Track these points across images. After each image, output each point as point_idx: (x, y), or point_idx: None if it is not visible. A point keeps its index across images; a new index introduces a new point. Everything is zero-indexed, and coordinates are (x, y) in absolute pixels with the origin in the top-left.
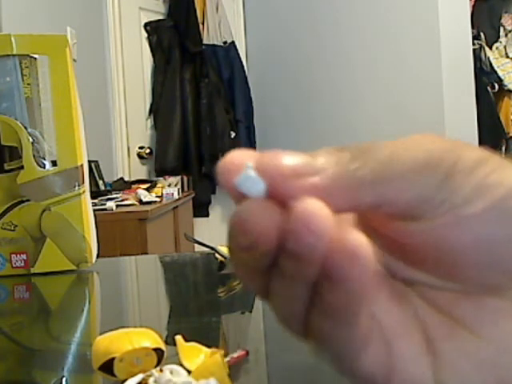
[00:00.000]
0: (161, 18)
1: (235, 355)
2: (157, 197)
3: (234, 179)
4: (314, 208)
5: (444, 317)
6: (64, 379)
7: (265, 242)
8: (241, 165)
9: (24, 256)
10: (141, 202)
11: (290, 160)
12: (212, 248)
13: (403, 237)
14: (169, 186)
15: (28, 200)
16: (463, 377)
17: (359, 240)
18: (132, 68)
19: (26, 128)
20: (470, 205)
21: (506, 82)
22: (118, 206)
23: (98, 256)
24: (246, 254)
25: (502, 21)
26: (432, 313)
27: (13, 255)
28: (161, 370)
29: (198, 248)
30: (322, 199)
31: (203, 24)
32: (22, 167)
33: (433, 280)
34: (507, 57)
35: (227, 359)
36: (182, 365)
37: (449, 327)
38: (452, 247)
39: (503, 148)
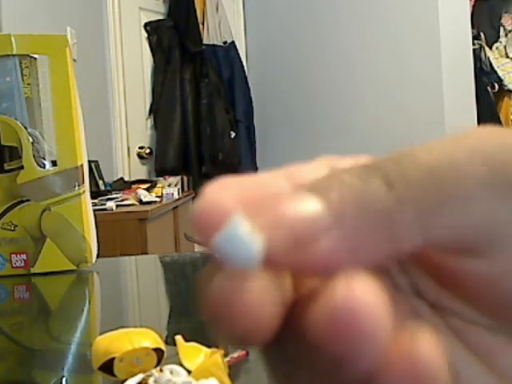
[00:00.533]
0: (161, 18)
1: (235, 355)
2: (157, 197)
3: (213, 235)
4: (365, 294)
5: (481, 363)
6: (64, 379)
7: (267, 334)
8: (225, 212)
9: (24, 256)
10: (141, 201)
11: (296, 215)
12: None
13: (452, 272)
14: (169, 186)
15: (28, 200)
16: None
17: (433, 355)
18: (132, 68)
19: (26, 128)
20: None
21: (506, 82)
22: (118, 205)
23: (98, 256)
24: (236, 340)
25: (502, 21)
26: (468, 357)
27: (13, 255)
28: (161, 370)
29: (198, 248)
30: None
31: (203, 24)
32: (22, 167)
33: (472, 314)
34: (507, 57)
35: (227, 359)
36: (182, 365)
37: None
38: None
39: None
